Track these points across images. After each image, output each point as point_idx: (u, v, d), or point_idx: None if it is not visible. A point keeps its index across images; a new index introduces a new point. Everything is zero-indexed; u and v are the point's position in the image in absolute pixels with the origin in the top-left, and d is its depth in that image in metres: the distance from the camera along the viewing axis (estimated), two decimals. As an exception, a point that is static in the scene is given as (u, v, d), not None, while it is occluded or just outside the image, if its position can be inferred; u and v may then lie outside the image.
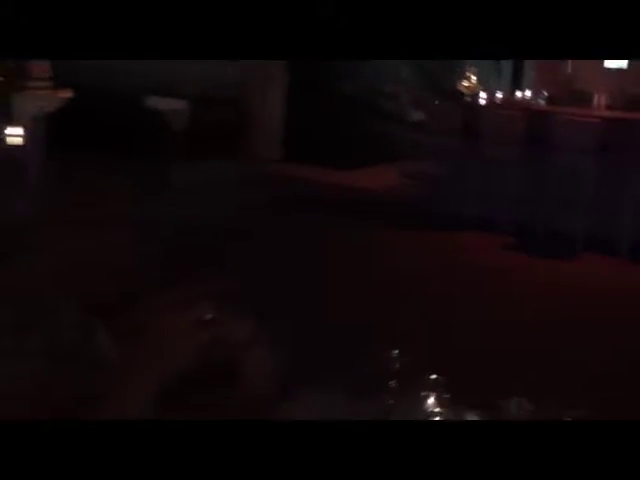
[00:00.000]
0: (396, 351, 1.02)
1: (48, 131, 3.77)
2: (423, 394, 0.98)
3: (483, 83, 5.57)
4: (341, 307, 2.84)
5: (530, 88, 5.65)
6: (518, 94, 5.75)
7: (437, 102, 5.09)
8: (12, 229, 2.46)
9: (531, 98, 5.39)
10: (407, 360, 1.03)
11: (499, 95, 5.44)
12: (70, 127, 4.07)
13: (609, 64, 6.05)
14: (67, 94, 4.32)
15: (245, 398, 1.09)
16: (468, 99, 5.17)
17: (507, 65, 7.27)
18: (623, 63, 6.06)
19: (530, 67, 6.59)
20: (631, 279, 3.66)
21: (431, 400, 0.96)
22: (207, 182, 4.84)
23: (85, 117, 4.42)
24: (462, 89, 5.32)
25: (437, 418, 0.90)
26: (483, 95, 5.13)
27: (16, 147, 3.30)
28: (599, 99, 5.05)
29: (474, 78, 5.31)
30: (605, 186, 4.00)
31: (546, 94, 5.30)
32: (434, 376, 0.95)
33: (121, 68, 4.77)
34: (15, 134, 3.42)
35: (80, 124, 4.26)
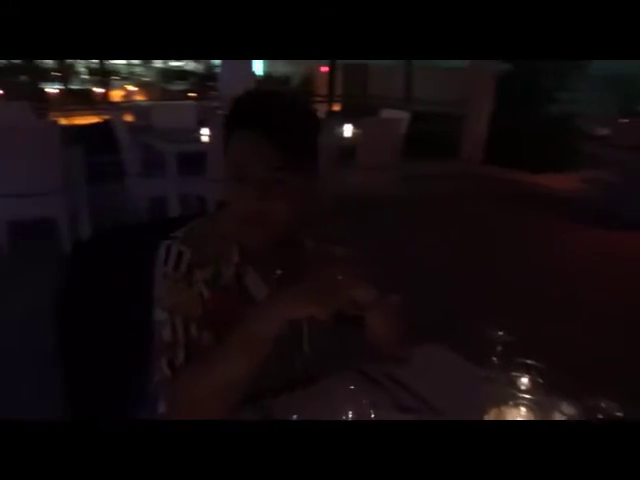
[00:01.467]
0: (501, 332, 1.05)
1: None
2: (516, 374, 0.92)
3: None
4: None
5: None
6: None
7: (622, 120, 5.92)
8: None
9: None
10: (509, 341, 1.04)
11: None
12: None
13: None
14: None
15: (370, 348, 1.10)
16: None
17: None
18: None
19: None
20: None
21: (524, 380, 0.92)
22: (421, 174, 6.65)
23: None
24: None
25: (525, 401, 0.86)
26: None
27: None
28: None
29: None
30: None
31: None
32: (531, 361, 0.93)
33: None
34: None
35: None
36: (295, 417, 0.75)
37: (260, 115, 0.95)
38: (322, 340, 1.20)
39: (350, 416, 0.78)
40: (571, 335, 3.06)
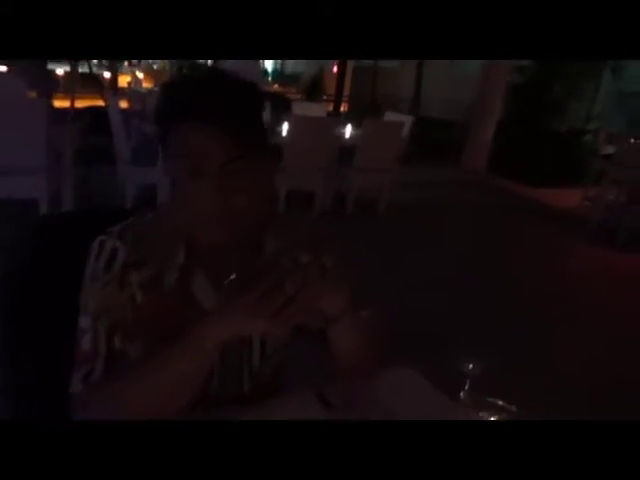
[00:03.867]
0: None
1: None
2: (484, 413, 0.87)
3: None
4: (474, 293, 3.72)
5: None
6: None
7: (633, 140, 5.80)
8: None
9: None
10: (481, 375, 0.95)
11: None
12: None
13: None
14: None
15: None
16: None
17: None
18: None
19: None
20: None
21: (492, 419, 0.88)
22: (422, 180, 6.52)
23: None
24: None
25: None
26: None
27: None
28: None
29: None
30: None
31: None
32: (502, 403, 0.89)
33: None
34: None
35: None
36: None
37: (205, 103, 0.83)
38: (277, 351, 1.08)
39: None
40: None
